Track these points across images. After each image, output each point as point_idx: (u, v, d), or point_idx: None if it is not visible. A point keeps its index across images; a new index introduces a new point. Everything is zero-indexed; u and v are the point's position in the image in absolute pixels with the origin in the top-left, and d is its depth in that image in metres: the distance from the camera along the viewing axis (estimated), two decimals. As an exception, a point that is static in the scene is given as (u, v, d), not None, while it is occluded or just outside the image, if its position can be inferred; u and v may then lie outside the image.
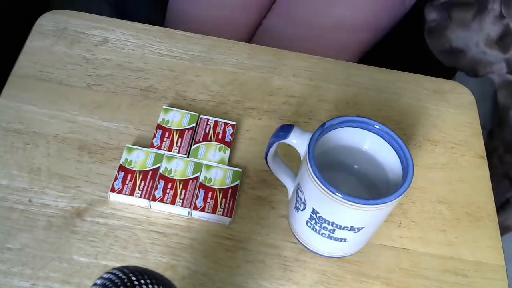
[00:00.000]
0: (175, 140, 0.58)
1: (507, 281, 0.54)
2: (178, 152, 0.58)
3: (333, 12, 0.84)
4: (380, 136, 0.49)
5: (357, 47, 0.87)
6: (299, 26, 0.84)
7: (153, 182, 0.55)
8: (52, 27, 0.67)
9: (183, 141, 0.58)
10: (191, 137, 0.59)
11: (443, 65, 0.95)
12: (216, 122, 0.61)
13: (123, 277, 0.33)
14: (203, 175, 0.56)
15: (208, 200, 0.55)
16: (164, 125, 0.59)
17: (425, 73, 0.70)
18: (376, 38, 0.89)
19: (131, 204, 0.54)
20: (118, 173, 0.55)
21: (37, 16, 0.68)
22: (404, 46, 0.98)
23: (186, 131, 0.59)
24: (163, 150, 0.58)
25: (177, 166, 0.56)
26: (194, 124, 0.60)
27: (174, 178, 0.55)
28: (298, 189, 0.49)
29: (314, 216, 0.48)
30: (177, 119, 0.60)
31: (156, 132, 0.59)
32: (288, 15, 0.85)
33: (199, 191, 0.55)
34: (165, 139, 0.58)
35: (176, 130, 0.59)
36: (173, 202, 0.54)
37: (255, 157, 0.59)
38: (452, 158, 0.63)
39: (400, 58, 0.94)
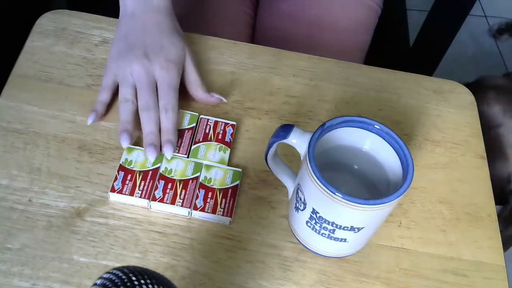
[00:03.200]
0: None
1: (507, 281, 0.54)
2: (178, 152, 0.58)
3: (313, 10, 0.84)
4: (380, 136, 0.49)
5: (354, 48, 0.87)
6: (288, 21, 0.84)
7: (153, 182, 0.55)
8: (52, 27, 0.67)
9: (183, 141, 0.58)
10: (191, 137, 0.59)
11: (424, 62, 0.95)
12: (216, 122, 0.61)
13: (123, 277, 0.33)
14: (203, 175, 0.56)
15: (208, 200, 0.55)
16: None
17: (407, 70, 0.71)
18: (369, 39, 0.89)
19: (131, 204, 0.54)
20: (118, 173, 0.55)
21: (37, 16, 0.68)
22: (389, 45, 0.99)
23: (186, 131, 0.59)
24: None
25: (177, 166, 0.56)
26: (194, 124, 0.60)
27: (174, 178, 0.55)
28: (298, 189, 0.49)
29: (314, 216, 0.48)
30: None
31: None
32: (274, 10, 0.85)
33: (199, 191, 0.55)
34: None
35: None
36: (173, 202, 0.54)
37: (255, 157, 0.59)
38: (452, 158, 0.63)
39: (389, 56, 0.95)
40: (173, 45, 0.60)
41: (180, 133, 0.59)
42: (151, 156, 0.56)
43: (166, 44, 0.60)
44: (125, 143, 0.56)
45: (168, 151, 0.56)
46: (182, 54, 0.61)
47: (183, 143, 0.58)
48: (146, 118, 0.57)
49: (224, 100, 0.62)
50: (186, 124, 0.60)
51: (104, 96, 0.60)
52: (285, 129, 0.49)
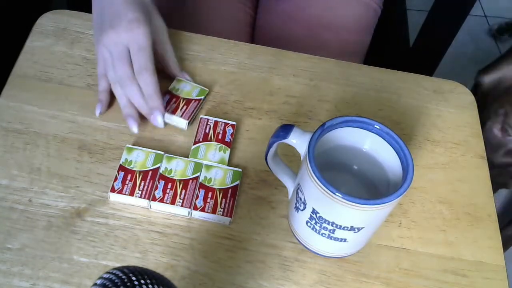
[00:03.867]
0: (180, 106, 0.61)
1: (507, 281, 0.54)
2: (181, 116, 0.60)
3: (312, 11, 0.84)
4: (380, 136, 0.49)
5: (352, 48, 0.87)
6: (288, 21, 0.84)
7: (153, 182, 0.55)
8: (52, 27, 0.67)
9: (188, 108, 0.61)
10: (197, 106, 0.61)
11: (424, 62, 0.95)
12: (216, 122, 0.61)
13: (123, 277, 0.33)
14: (203, 175, 0.56)
15: (208, 200, 0.55)
16: (174, 93, 0.62)
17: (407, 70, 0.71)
18: (368, 39, 0.89)
19: (131, 204, 0.54)
20: (118, 173, 0.55)
21: (37, 16, 0.68)
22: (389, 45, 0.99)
23: (193, 100, 0.62)
24: (168, 112, 0.59)
25: (177, 166, 0.56)
26: (202, 97, 0.62)
27: (174, 178, 0.55)
28: (298, 189, 0.49)
29: (314, 216, 0.48)
30: (187, 89, 0.62)
31: (164, 96, 0.61)
32: (274, 10, 0.86)
33: (199, 191, 0.55)
34: (171, 103, 0.61)
35: (183, 99, 0.61)
36: (173, 202, 0.54)
37: (255, 157, 0.59)
38: (452, 158, 0.63)
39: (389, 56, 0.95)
40: (132, 5, 0.58)
41: (186, 101, 0.61)
42: (133, 127, 0.58)
43: (126, 9, 0.58)
44: (134, 127, 0.58)
45: (157, 119, 0.58)
46: (142, 14, 0.59)
47: (187, 110, 0.60)
48: (117, 92, 0.58)
49: (190, 78, 0.64)
50: (194, 95, 0.62)
51: (102, 85, 0.61)
52: (285, 129, 0.49)
